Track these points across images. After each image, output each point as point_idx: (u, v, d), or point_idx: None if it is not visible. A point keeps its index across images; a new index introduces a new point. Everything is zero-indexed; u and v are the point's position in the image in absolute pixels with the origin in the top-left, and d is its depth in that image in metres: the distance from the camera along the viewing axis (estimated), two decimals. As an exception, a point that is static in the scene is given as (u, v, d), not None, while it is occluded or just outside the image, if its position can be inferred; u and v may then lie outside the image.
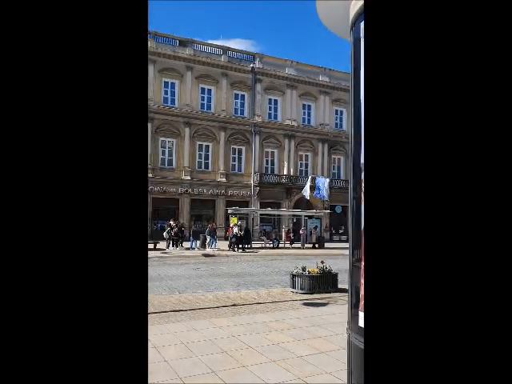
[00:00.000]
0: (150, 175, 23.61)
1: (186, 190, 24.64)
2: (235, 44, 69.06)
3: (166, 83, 24.63)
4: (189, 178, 24.77)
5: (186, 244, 19.12)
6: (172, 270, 11.75)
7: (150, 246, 17.95)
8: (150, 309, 6.34)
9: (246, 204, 25.67)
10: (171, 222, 19.66)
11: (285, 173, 27.40)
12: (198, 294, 7.96)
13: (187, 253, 17.03)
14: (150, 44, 23.98)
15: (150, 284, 9.23)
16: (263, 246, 20.91)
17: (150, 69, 23.83)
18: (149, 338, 4.70)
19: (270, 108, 27.58)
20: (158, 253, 16.54)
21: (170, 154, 24.72)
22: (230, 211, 20.89)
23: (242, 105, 26.75)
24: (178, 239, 18.86)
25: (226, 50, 26.64)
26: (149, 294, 7.76)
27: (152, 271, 11.46)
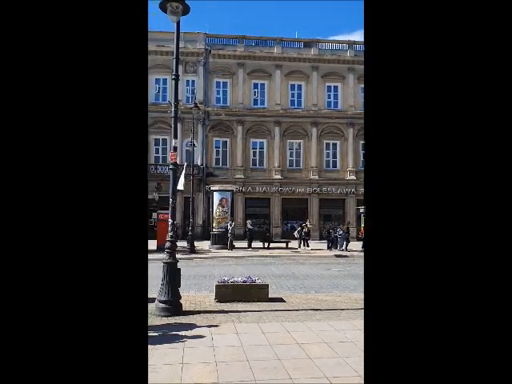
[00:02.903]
0: (279, 177, 24.45)
1: (315, 190, 24.69)
2: (359, 36, 66.37)
3: (293, 86, 25.16)
4: (317, 177, 24.78)
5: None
6: (306, 270, 11.88)
7: (282, 244, 18.57)
8: (288, 306, 6.50)
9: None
10: (307, 223, 19.93)
11: (421, 168, 25.04)
12: (335, 294, 7.83)
13: (318, 253, 17.01)
14: (276, 50, 24.88)
15: (285, 282, 9.50)
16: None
17: (277, 74, 24.72)
18: (291, 334, 4.82)
19: (401, 99, 25.64)
20: (289, 252, 16.98)
21: (298, 155, 25.12)
22: (361, 210, 20.09)
23: (371, 99, 25.53)
24: (308, 238, 19.02)
25: (351, 44, 25.82)
26: (285, 292, 8.00)
27: (287, 270, 11.80)
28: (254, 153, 24.95)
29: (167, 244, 6.01)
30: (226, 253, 16.15)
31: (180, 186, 18.49)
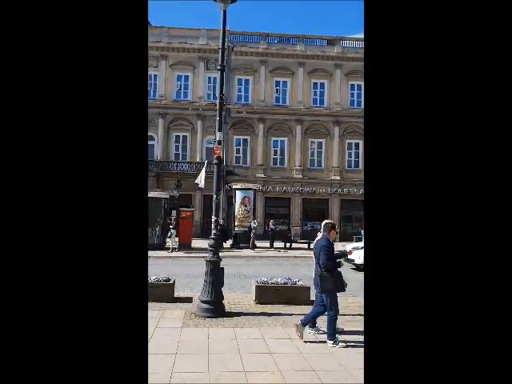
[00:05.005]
0: (300, 176, 24.09)
1: (336, 190, 24.25)
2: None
3: (316, 84, 24.75)
4: (338, 177, 24.33)
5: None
6: (335, 271, 11.54)
7: (304, 245, 18.17)
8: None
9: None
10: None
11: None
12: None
13: (343, 254, 16.60)
14: (299, 47, 24.51)
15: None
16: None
17: (300, 72, 24.37)
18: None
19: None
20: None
21: (319, 155, 24.73)
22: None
23: (395, 98, 24.97)
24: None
25: (375, 42, 25.30)
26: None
27: (317, 271, 11.46)
28: (275, 151, 24.62)
29: (210, 241, 5.76)
30: (249, 252, 15.89)
31: (201, 184, 18.33)
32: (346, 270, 11.10)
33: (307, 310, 6.10)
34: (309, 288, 6.74)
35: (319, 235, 4.89)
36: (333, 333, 4.37)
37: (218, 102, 5.91)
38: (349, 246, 13.15)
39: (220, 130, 5.89)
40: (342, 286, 4.48)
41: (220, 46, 5.88)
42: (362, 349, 4.29)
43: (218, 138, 5.88)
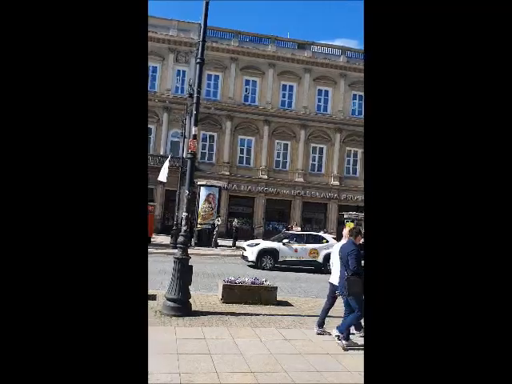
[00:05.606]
0: (265, 177, 24.21)
1: (299, 193, 24.62)
2: (341, 44, 67.15)
3: (285, 86, 24.97)
4: (301, 180, 24.72)
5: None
6: (297, 272, 11.66)
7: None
8: (298, 311, 6.23)
9: (362, 209, 24.57)
10: (293, 225, 19.81)
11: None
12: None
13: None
14: (271, 48, 24.61)
15: (282, 284, 9.22)
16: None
17: (270, 72, 24.48)
18: (317, 343, 4.55)
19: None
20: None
21: (285, 157, 24.98)
22: (346, 216, 20.17)
23: (360, 105, 25.73)
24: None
25: (344, 50, 25.95)
26: (288, 296, 7.73)
27: (278, 271, 11.53)
28: (242, 150, 24.56)
29: (180, 238, 5.60)
30: (210, 250, 15.71)
31: (163, 178, 17.83)
32: (245, 268, 11.24)
33: (274, 310, 6.12)
34: (276, 288, 6.76)
35: (343, 240, 4.96)
36: (346, 329, 4.47)
37: (195, 95, 5.76)
38: (245, 243, 13.09)
39: (196, 124, 5.74)
40: None
41: (201, 39, 5.72)
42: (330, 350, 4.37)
43: (193, 133, 5.72)
